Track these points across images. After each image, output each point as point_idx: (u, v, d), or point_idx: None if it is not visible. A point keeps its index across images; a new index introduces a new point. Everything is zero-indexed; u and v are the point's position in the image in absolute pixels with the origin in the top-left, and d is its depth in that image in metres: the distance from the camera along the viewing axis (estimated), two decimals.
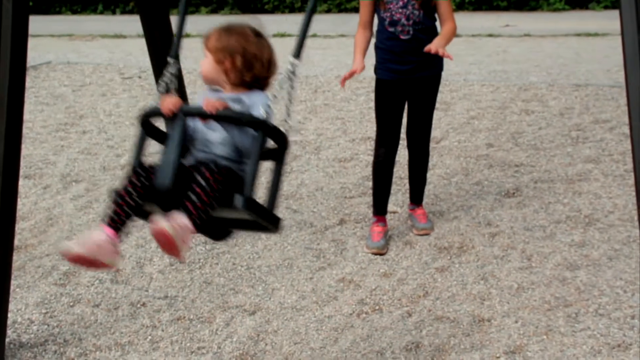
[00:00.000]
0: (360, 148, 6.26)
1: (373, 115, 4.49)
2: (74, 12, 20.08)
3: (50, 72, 10.29)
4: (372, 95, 4.48)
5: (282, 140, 2.55)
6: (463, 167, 5.71)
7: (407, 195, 4.83)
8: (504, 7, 16.49)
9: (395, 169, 4.53)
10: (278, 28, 14.24)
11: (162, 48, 4.16)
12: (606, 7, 15.50)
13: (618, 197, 4.94)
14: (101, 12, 19.82)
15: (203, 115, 2.48)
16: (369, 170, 5.41)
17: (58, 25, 15.26)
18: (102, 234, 2.43)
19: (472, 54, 10.77)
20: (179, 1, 2.82)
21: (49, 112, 7.90)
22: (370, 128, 6.67)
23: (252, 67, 2.60)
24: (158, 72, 4.23)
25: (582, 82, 8.46)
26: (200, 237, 4.54)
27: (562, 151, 5.96)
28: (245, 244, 4.51)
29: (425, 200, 4.80)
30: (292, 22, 15.72)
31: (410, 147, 4.55)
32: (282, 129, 2.53)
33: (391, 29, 4.12)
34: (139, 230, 4.74)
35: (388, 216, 4.60)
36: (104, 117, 7.73)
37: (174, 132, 2.47)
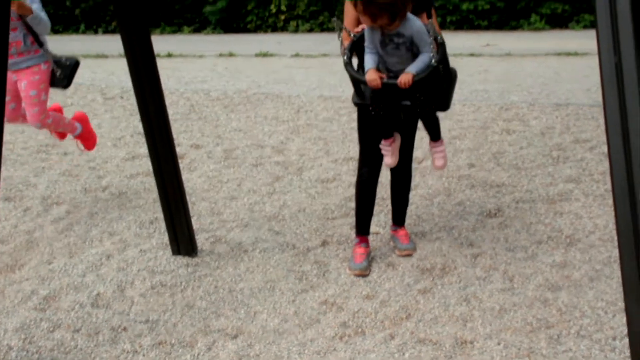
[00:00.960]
0: (343, 169, 6.26)
1: (355, 135, 4.49)
2: (56, 32, 20.01)
3: None
4: (355, 115, 4.49)
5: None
6: (445, 187, 5.73)
7: (389, 216, 4.84)
8: (484, 26, 16.64)
9: (377, 190, 4.53)
10: (260, 47, 14.29)
11: (144, 67, 4.15)
12: (585, 27, 15.67)
13: (599, 217, 4.97)
14: (83, 32, 19.80)
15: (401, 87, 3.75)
16: (351, 191, 5.43)
17: None
18: (385, 145, 4.19)
19: None
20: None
21: (29, 133, 7.85)
22: (352, 148, 6.68)
23: (396, 14, 3.68)
24: (139, 91, 4.21)
25: (563, 101, 8.53)
26: (182, 260, 4.55)
27: (543, 171, 5.99)
28: (228, 267, 4.49)
29: (407, 221, 4.81)
30: (274, 41, 15.83)
31: (392, 167, 4.56)
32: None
33: None
34: (120, 253, 4.71)
35: (370, 237, 4.60)
36: None
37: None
